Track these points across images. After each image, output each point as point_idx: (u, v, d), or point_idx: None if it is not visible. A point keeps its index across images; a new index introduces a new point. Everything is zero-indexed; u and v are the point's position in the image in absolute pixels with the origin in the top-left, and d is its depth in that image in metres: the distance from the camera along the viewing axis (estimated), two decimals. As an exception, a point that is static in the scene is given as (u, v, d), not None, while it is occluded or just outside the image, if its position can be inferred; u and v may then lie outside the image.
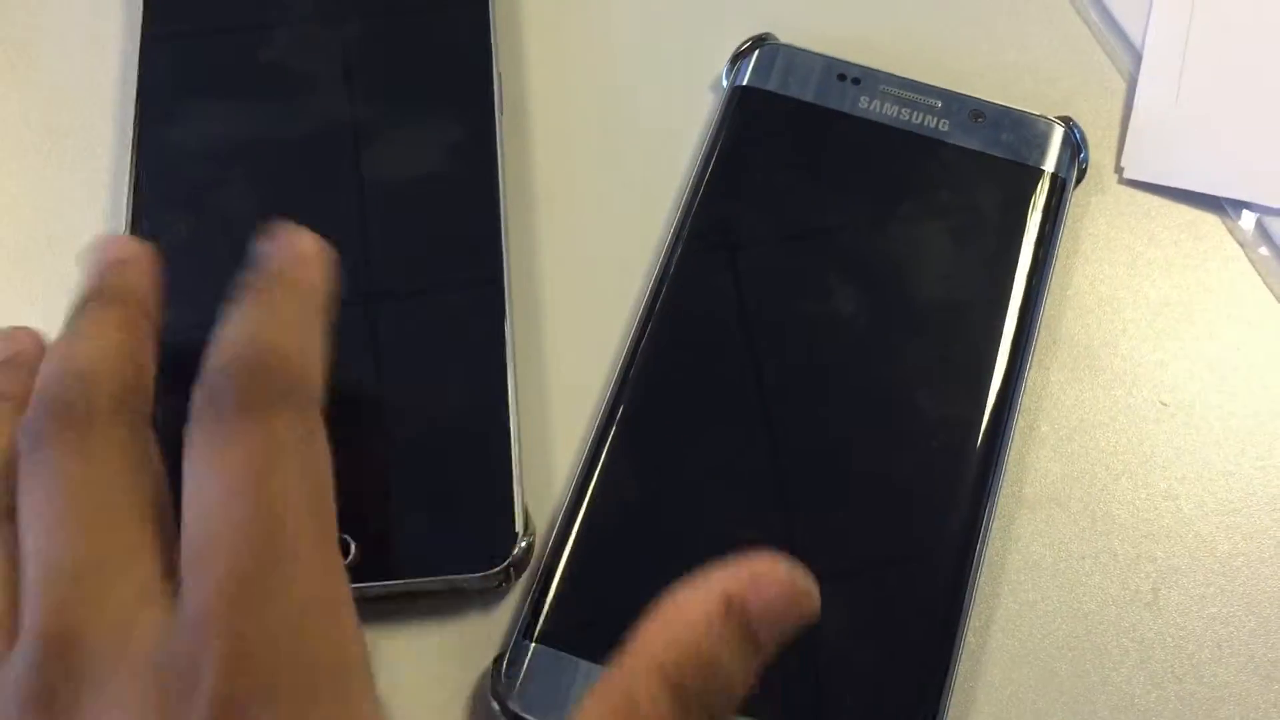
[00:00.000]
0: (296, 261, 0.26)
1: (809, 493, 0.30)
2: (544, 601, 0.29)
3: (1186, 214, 0.35)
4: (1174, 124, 0.36)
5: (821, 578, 0.23)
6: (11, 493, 0.24)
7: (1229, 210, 0.35)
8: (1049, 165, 0.34)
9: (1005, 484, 0.31)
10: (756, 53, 0.35)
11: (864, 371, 0.31)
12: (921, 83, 0.34)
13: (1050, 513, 0.31)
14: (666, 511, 0.30)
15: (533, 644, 0.28)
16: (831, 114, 0.34)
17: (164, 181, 0.33)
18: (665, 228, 0.34)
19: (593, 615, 0.29)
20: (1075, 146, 0.34)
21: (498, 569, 0.29)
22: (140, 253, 0.27)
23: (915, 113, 0.34)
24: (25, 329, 0.28)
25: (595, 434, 0.31)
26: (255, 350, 0.23)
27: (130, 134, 0.33)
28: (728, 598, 0.22)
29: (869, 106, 0.34)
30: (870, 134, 0.34)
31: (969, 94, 0.34)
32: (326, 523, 0.23)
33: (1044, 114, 0.34)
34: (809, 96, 0.34)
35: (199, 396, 0.23)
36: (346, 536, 0.28)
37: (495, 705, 0.28)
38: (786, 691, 0.28)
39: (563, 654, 0.28)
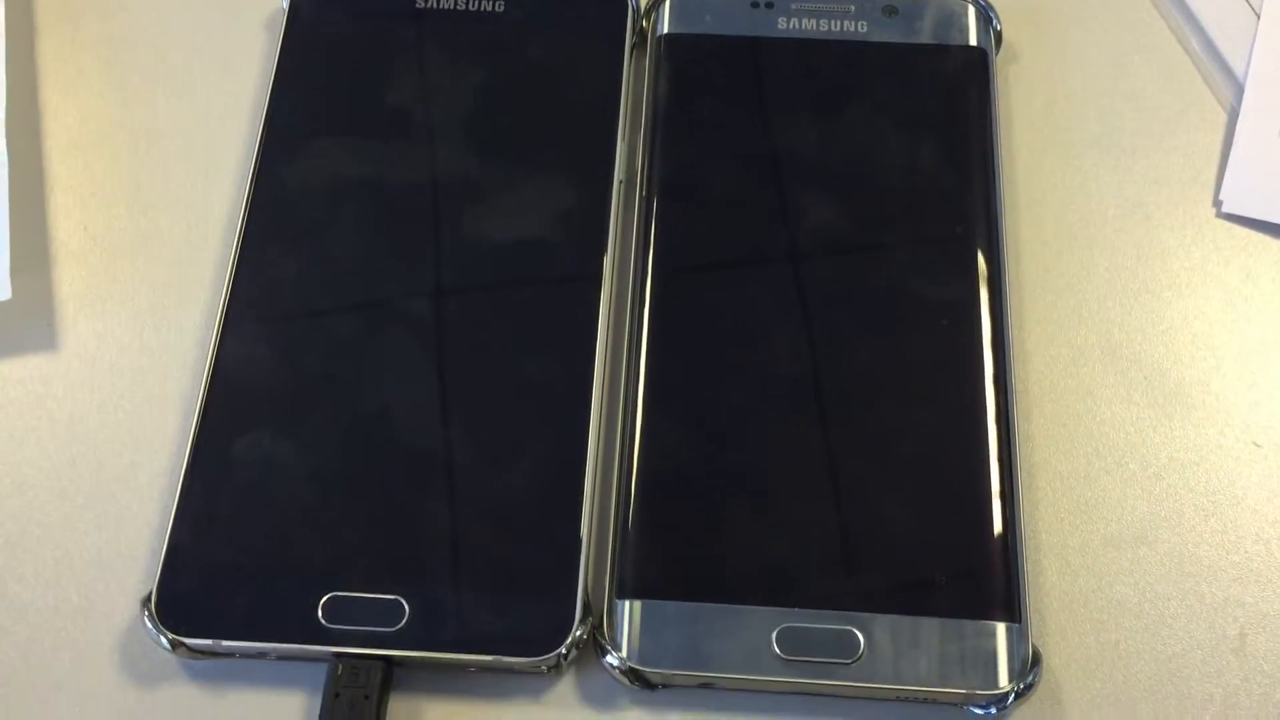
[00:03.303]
0: None
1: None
2: (632, 556, 0.29)
3: (1286, 250, 0.34)
4: (1276, 157, 0.35)
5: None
6: None
7: (1331, 248, 0.34)
8: (970, 39, 0.35)
9: (1092, 520, 0.31)
10: None
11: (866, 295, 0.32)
12: None
13: (1137, 552, 0.30)
14: (716, 444, 0.30)
15: (631, 600, 0.29)
16: (757, 41, 0.35)
17: (275, 215, 0.33)
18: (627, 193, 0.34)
19: (680, 558, 0.29)
20: (988, 17, 0.36)
21: (550, 655, 0.28)
22: None
23: (833, 21, 0.35)
24: None
25: (631, 388, 0.31)
26: None
27: (253, 165, 0.34)
28: None
29: (788, 26, 0.35)
30: (798, 51, 0.35)
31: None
32: None
33: None
34: (730, 30, 0.35)
35: None
36: (400, 599, 0.28)
37: (616, 668, 0.28)
38: None
39: (667, 602, 0.29)
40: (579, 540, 0.29)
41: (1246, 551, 0.31)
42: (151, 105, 0.36)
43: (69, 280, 0.34)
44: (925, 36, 0.35)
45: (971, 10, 0.36)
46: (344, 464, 0.30)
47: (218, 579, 0.29)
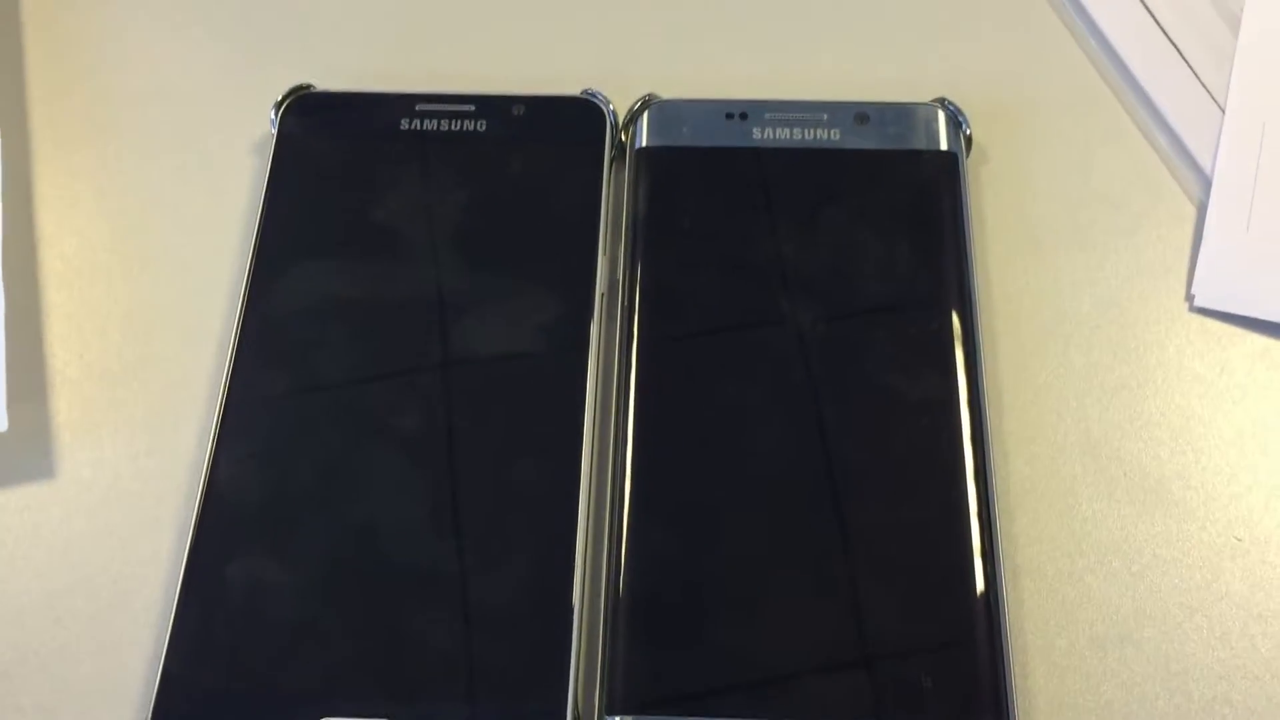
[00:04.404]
0: None
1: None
2: (620, 671, 0.29)
3: (1259, 342, 0.35)
4: (1246, 251, 0.36)
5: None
6: None
7: (1303, 339, 0.35)
8: (941, 144, 0.36)
9: (1077, 620, 0.31)
10: (647, 112, 0.37)
11: (853, 396, 0.33)
12: (803, 101, 0.37)
13: (1123, 651, 0.31)
14: (702, 558, 0.31)
15: (621, 716, 0.29)
16: (733, 152, 0.36)
17: (265, 337, 0.34)
18: (615, 320, 0.34)
19: (668, 672, 0.29)
20: (957, 122, 0.37)
21: None
22: None
23: (806, 130, 0.36)
24: None
25: (616, 504, 0.31)
26: None
27: (244, 287, 0.35)
28: None
29: (763, 135, 0.36)
30: (773, 160, 0.36)
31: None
32: None
33: (920, 101, 0.37)
34: (707, 142, 0.36)
35: None
36: None
37: None
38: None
39: (657, 718, 0.29)
40: (568, 656, 0.29)
41: (1233, 648, 0.31)
42: (144, 231, 0.37)
43: (66, 408, 0.34)
44: (897, 143, 0.36)
45: (941, 115, 0.37)
46: (336, 585, 0.31)
47: (212, 705, 0.29)
